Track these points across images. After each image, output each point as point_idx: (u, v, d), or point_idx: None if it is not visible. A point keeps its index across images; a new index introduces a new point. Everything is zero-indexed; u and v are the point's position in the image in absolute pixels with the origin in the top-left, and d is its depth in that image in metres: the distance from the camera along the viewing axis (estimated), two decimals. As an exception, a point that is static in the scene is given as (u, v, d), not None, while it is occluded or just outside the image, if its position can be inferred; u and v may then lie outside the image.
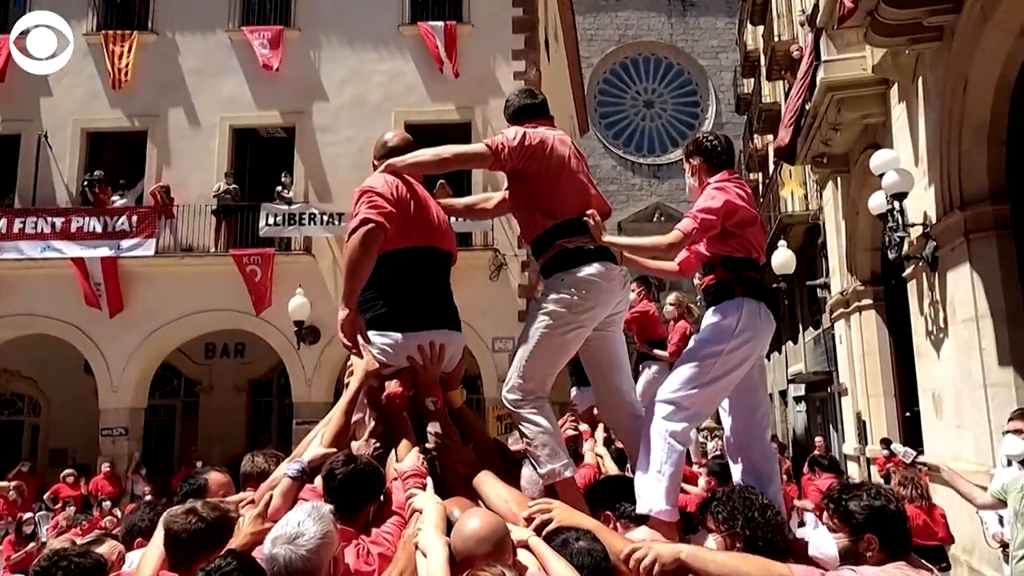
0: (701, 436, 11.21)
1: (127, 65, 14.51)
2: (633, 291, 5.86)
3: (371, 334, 2.62)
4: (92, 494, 12.36)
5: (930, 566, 2.26)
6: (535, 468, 2.61)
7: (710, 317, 2.77)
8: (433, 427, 2.55)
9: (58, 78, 14.84)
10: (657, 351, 6.04)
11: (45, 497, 12.31)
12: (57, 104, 14.76)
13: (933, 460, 5.56)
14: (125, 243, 13.78)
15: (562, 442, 2.73)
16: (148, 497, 11.85)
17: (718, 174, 2.88)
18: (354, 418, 2.62)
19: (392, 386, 2.53)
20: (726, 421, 2.95)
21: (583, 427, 5.70)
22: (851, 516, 2.12)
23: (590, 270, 2.64)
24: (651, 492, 2.49)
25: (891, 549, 2.09)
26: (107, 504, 11.03)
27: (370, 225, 2.50)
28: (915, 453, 4.96)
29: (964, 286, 6.86)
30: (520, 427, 2.70)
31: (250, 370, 17.52)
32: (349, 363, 2.64)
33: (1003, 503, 4.40)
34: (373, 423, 2.60)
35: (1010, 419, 4.31)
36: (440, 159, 2.79)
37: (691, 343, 2.85)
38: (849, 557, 2.09)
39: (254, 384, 17.82)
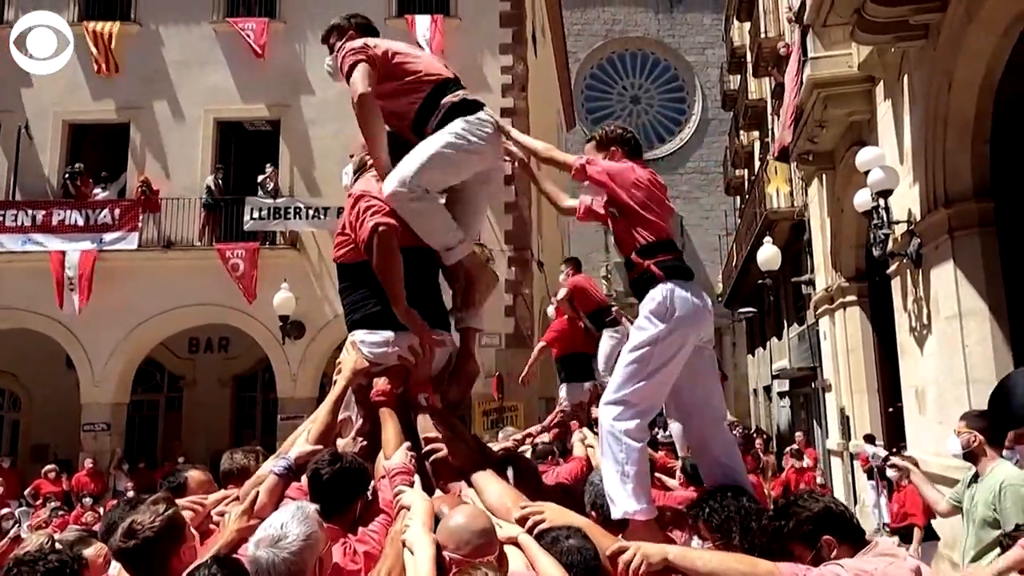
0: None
1: (109, 56, 14.34)
2: (562, 272, 6.26)
3: (362, 333, 2.61)
4: (74, 490, 12.25)
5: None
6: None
7: (641, 310, 2.72)
8: (424, 422, 2.53)
9: (39, 68, 14.66)
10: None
11: (26, 493, 12.19)
12: (38, 95, 14.56)
13: (900, 462, 5.60)
14: (107, 236, 13.64)
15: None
16: (130, 493, 11.75)
17: (631, 163, 2.93)
18: (341, 416, 2.60)
19: (381, 383, 2.52)
20: (678, 420, 2.91)
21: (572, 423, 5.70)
22: (800, 529, 2.11)
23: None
24: (621, 495, 2.46)
25: (851, 539, 2.10)
26: (88, 500, 10.92)
27: (381, 229, 2.57)
28: (885, 454, 4.96)
29: (948, 283, 6.91)
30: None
31: (234, 365, 17.41)
32: (338, 360, 2.62)
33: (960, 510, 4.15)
34: (361, 421, 2.59)
35: (960, 418, 4.26)
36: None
37: (629, 338, 2.80)
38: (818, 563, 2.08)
39: (238, 379, 17.71)
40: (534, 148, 3.05)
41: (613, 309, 6.06)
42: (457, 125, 2.83)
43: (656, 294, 2.66)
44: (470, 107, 2.90)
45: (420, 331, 2.65)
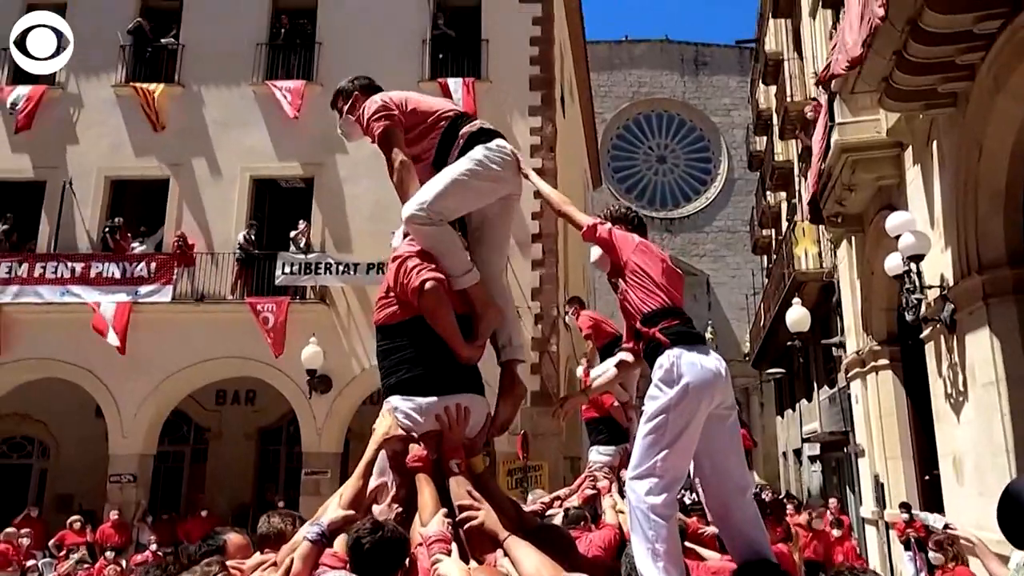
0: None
1: (156, 114, 14.90)
2: (568, 312, 6.56)
3: (396, 399, 2.64)
4: (98, 542, 12.24)
5: None
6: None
7: (653, 381, 2.71)
8: (458, 489, 2.53)
9: (86, 127, 15.26)
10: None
11: (50, 544, 12.21)
12: (83, 152, 15.11)
13: (963, 532, 5.40)
14: (142, 289, 13.93)
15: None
16: (153, 547, 11.72)
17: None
18: (377, 482, 2.62)
19: (416, 450, 2.54)
20: (701, 488, 2.88)
21: (601, 483, 5.63)
22: None
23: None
24: (653, 574, 2.44)
25: None
26: (110, 554, 10.91)
27: (430, 285, 2.63)
28: (944, 523, 4.78)
29: (984, 349, 6.81)
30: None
31: (260, 417, 17.48)
32: (373, 426, 2.65)
33: None
34: (396, 487, 2.60)
35: None
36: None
37: (643, 411, 2.77)
38: None
39: (263, 432, 17.76)
40: (550, 198, 3.12)
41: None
42: (477, 152, 2.90)
43: (663, 361, 2.65)
44: (488, 135, 2.98)
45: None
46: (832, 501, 12.94)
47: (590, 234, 2.89)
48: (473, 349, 2.73)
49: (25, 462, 17.31)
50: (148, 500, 14.32)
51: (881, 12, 5.96)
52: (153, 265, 14.14)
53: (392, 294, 2.73)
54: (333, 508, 2.53)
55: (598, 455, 5.92)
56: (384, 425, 2.57)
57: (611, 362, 5.55)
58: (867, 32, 6.01)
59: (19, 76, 15.59)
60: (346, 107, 3.17)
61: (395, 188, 2.89)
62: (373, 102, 3.00)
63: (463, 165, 2.86)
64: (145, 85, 15.10)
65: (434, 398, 2.63)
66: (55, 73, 15.60)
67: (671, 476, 2.60)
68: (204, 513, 14.62)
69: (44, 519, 14.68)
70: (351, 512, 2.45)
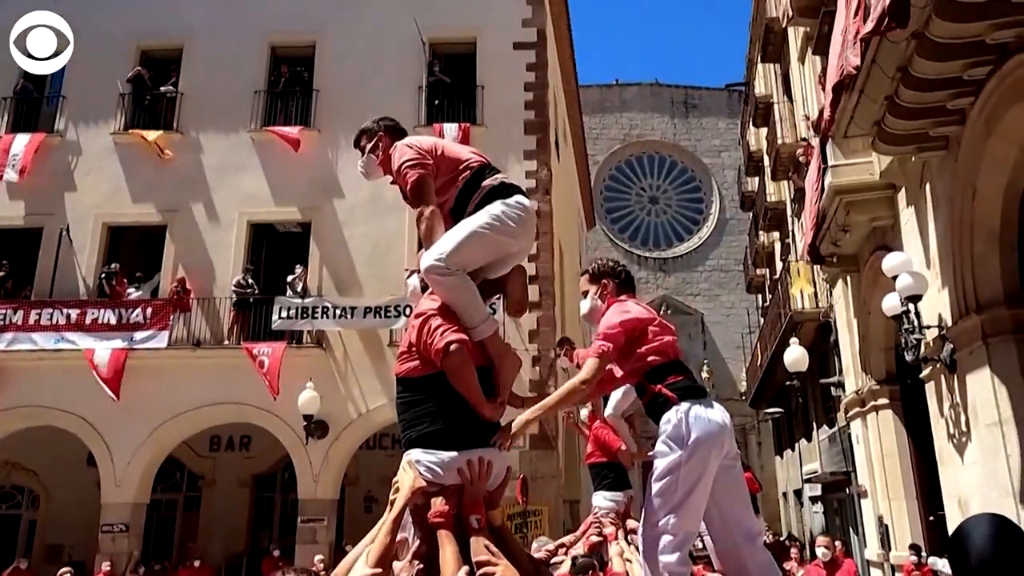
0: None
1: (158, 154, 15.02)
2: (560, 354, 6.39)
3: (418, 452, 2.62)
4: (89, 595, 11.96)
5: None
6: None
7: (659, 438, 2.74)
8: (477, 545, 2.50)
9: (84, 174, 15.33)
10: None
11: (40, 597, 11.92)
12: (80, 199, 15.15)
13: None
14: (138, 335, 13.84)
15: None
16: (146, 599, 11.45)
17: (621, 295, 3.12)
18: (398, 537, 2.58)
19: (438, 504, 2.51)
20: (710, 538, 2.88)
21: (608, 530, 5.57)
22: None
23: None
24: None
25: None
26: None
27: (454, 347, 2.62)
28: None
29: (985, 389, 6.82)
30: None
31: (254, 464, 17.25)
32: (395, 480, 2.63)
33: None
34: (417, 542, 2.56)
35: None
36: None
37: (654, 469, 2.80)
38: None
39: (257, 479, 17.51)
40: (552, 404, 2.95)
41: None
42: (496, 207, 2.90)
43: (672, 416, 2.68)
44: (508, 191, 3.01)
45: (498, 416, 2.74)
46: (837, 543, 12.78)
47: (604, 361, 2.90)
48: (495, 408, 2.73)
49: (14, 512, 17.00)
50: (140, 550, 14.02)
51: (856, 61, 6.11)
52: (149, 311, 14.07)
53: (414, 350, 2.73)
54: (360, 567, 2.48)
55: (604, 500, 5.87)
56: (408, 479, 2.55)
57: (621, 390, 5.55)
58: (836, 77, 6.20)
59: (18, 124, 15.74)
60: (369, 146, 3.17)
61: (421, 236, 2.91)
62: (407, 148, 2.98)
63: (481, 219, 2.88)
64: (143, 132, 15.23)
65: (455, 452, 2.61)
66: (55, 120, 15.76)
67: (682, 535, 2.63)
68: (197, 563, 14.35)
69: (33, 571, 14.37)
70: (378, 570, 2.41)
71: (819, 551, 9.73)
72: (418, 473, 2.57)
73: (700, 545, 6.61)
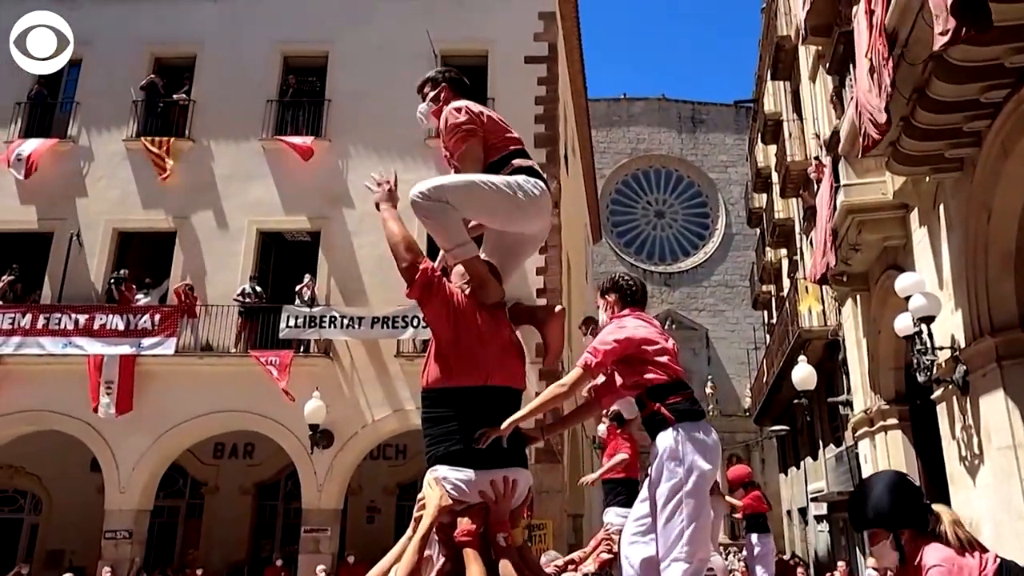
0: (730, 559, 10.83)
1: (168, 169, 15.06)
2: (586, 333, 6.11)
3: (445, 469, 2.61)
4: (90, 602, 11.92)
5: None
6: None
7: (657, 460, 2.80)
8: (505, 568, 2.49)
9: (95, 179, 15.40)
10: None
11: (41, 603, 11.88)
12: (91, 204, 15.21)
13: None
14: (146, 341, 13.84)
15: None
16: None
17: (624, 310, 3.13)
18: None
19: (464, 523, 2.50)
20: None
21: (618, 547, 5.53)
22: None
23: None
24: None
25: None
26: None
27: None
28: None
29: (999, 412, 6.78)
30: None
31: (257, 472, 17.22)
32: (420, 497, 2.61)
33: None
34: (442, 560, 2.55)
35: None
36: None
37: (657, 496, 2.82)
38: None
39: (260, 487, 17.47)
40: (535, 408, 2.87)
41: None
42: (513, 177, 2.91)
43: (668, 439, 2.75)
44: (534, 174, 3.00)
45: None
46: (840, 564, 12.71)
47: (586, 373, 2.95)
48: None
49: (16, 516, 16.96)
50: (143, 557, 13.97)
51: (888, 80, 6.11)
52: (157, 317, 14.08)
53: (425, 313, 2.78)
54: None
55: (616, 517, 5.84)
56: (435, 497, 2.53)
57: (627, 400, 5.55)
58: (885, 100, 6.14)
59: (32, 129, 15.83)
60: (432, 95, 3.18)
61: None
62: (461, 110, 3.01)
63: (489, 177, 2.89)
64: (154, 140, 15.29)
65: (482, 471, 2.60)
66: (67, 127, 15.84)
67: (698, 560, 2.67)
68: (199, 572, 14.30)
69: (34, 576, 14.35)
70: None
71: None
72: (444, 491, 2.55)
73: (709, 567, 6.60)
